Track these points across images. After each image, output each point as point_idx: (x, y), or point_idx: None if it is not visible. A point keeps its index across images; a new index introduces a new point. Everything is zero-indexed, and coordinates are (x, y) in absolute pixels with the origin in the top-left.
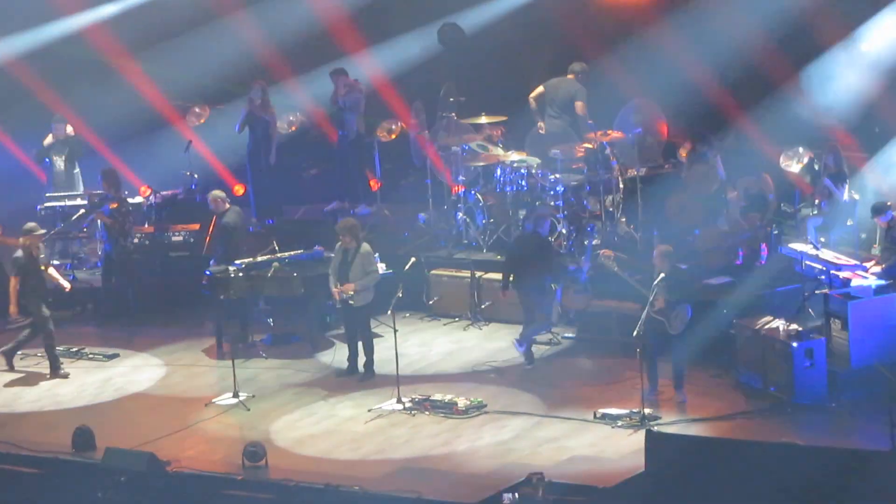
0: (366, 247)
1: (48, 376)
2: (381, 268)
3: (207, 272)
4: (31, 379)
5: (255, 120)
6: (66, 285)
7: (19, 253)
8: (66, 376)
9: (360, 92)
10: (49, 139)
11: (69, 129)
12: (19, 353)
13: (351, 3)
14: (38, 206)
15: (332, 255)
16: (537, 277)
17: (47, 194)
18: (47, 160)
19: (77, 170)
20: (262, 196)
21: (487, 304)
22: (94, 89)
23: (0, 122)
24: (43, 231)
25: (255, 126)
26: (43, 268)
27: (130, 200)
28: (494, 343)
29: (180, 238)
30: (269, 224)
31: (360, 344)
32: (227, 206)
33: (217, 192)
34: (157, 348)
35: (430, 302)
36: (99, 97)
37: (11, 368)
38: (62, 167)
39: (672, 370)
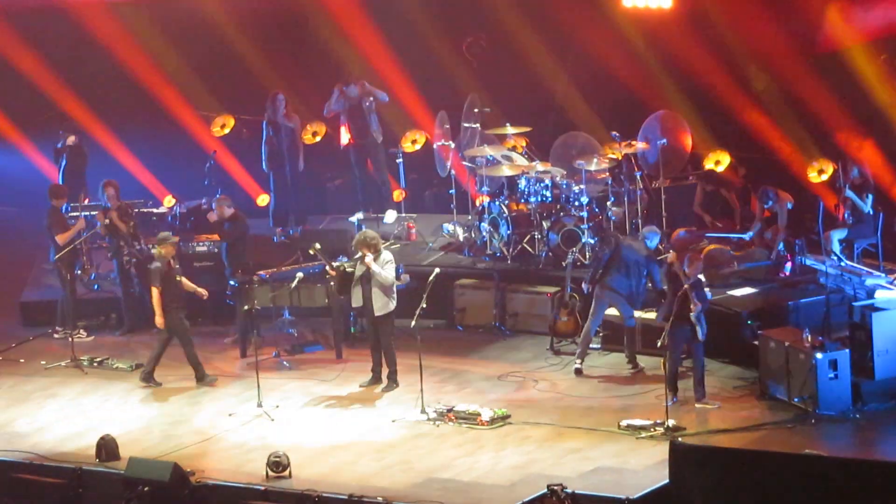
0: (386, 255)
1: (196, 384)
2: (406, 278)
3: (232, 282)
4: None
5: (279, 129)
6: (203, 293)
7: (157, 263)
8: (213, 382)
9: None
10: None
11: (70, 140)
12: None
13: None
14: None
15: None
16: (634, 284)
17: (71, 205)
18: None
19: (83, 178)
20: (282, 205)
21: (512, 314)
22: (120, 100)
23: (24, 129)
24: (177, 238)
25: (280, 135)
26: (178, 278)
27: (155, 210)
28: (518, 353)
29: (204, 248)
30: (292, 234)
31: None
32: (230, 211)
33: (219, 198)
34: (182, 358)
35: (455, 312)
36: (125, 107)
37: (157, 384)
38: (60, 175)
39: (695, 377)
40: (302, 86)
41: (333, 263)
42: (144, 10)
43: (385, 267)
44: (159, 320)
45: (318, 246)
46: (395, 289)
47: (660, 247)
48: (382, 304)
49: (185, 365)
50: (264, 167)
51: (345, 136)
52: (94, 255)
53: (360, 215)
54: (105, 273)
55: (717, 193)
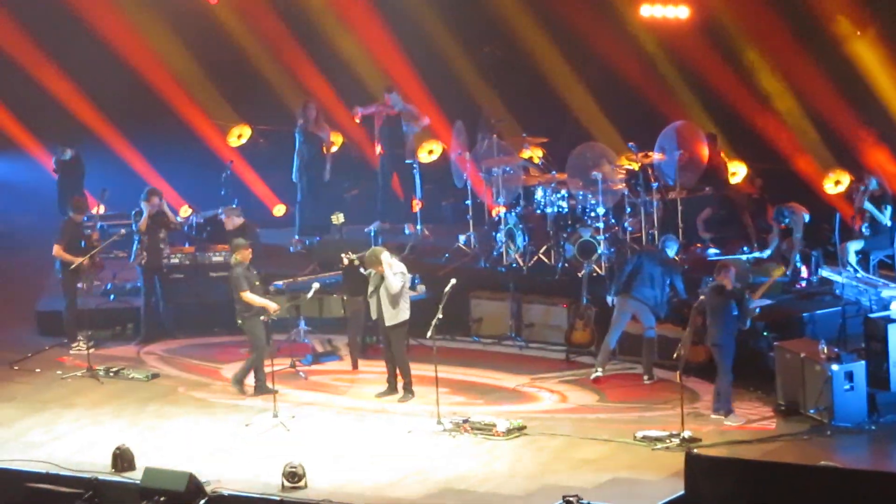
0: (398, 266)
1: (253, 393)
2: (422, 289)
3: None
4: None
5: (310, 137)
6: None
7: (238, 270)
8: (273, 391)
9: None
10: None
11: (68, 154)
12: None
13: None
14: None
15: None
16: (658, 294)
17: (86, 215)
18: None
19: (80, 192)
20: (308, 214)
21: (528, 325)
22: (136, 109)
23: (42, 139)
24: (248, 243)
25: (310, 143)
26: (256, 283)
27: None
28: (534, 364)
29: (221, 258)
30: (308, 244)
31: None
32: (239, 221)
33: (228, 209)
34: (197, 368)
35: (471, 323)
36: (142, 117)
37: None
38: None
39: (715, 388)
40: (319, 95)
41: (351, 255)
42: (161, 20)
43: (395, 276)
44: (274, 306)
45: (341, 218)
46: (407, 299)
47: (676, 258)
48: (393, 315)
49: (198, 374)
50: (294, 177)
51: (378, 146)
52: (112, 265)
53: (376, 225)
54: (121, 283)
55: (731, 215)
